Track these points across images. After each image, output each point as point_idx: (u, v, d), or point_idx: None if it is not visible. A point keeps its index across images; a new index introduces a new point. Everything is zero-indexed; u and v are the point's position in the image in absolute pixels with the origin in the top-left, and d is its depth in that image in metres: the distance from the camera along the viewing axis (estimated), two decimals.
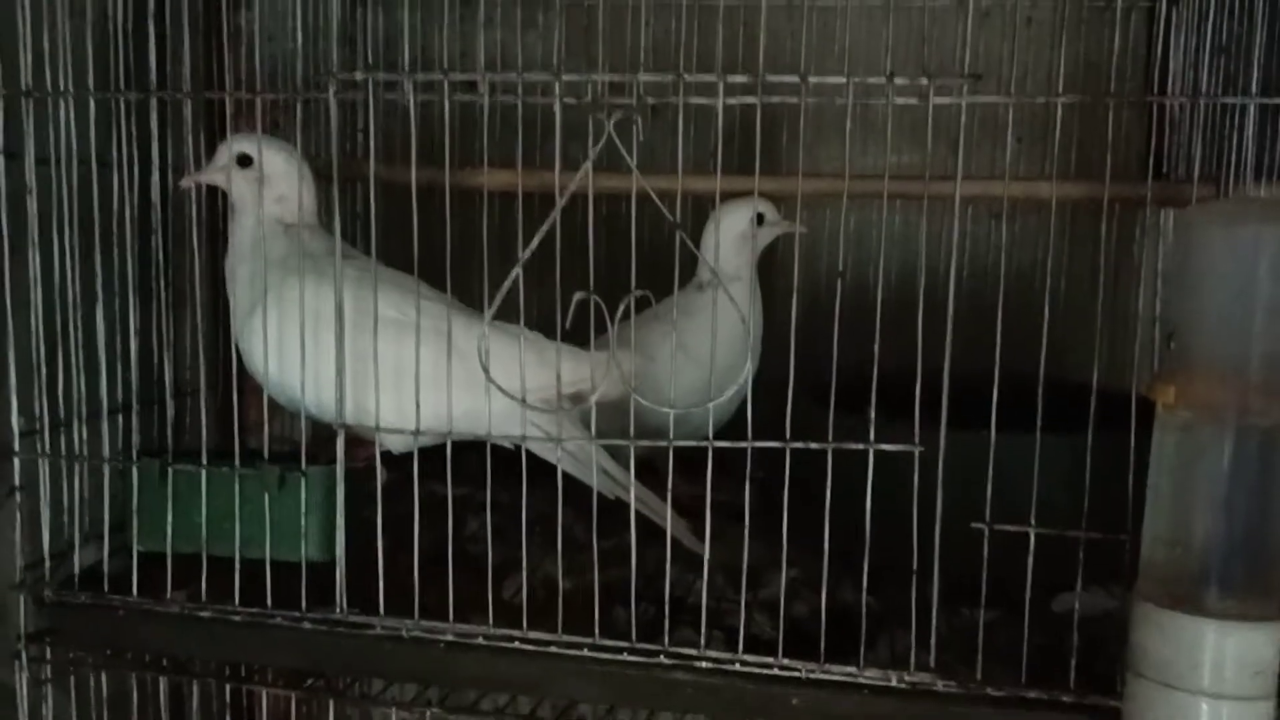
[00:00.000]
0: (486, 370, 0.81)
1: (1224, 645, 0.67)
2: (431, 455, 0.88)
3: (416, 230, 0.83)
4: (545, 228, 0.80)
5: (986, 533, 0.79)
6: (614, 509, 0.88)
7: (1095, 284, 0.99)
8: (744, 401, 0.83)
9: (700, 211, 1.12)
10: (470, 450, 0.89)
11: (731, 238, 1.11)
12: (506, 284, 0.81)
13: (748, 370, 0.83)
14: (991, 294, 0.80)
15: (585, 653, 0.84)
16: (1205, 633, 0.67)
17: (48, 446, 0.96)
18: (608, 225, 0.90)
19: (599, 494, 0.86)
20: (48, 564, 0.96)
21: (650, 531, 0.87)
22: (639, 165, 0.79)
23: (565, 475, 0.86)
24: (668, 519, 0.87)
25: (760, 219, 1.12)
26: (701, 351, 0.85)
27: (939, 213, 0.93)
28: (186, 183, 0.99)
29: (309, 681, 1.00)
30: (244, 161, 0.98)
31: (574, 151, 0.82)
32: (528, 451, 0.88)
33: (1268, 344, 0.68)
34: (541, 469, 0.89)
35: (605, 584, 0.84)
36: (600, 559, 0.83)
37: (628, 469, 0.87)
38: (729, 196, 1.10)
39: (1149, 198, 0.87)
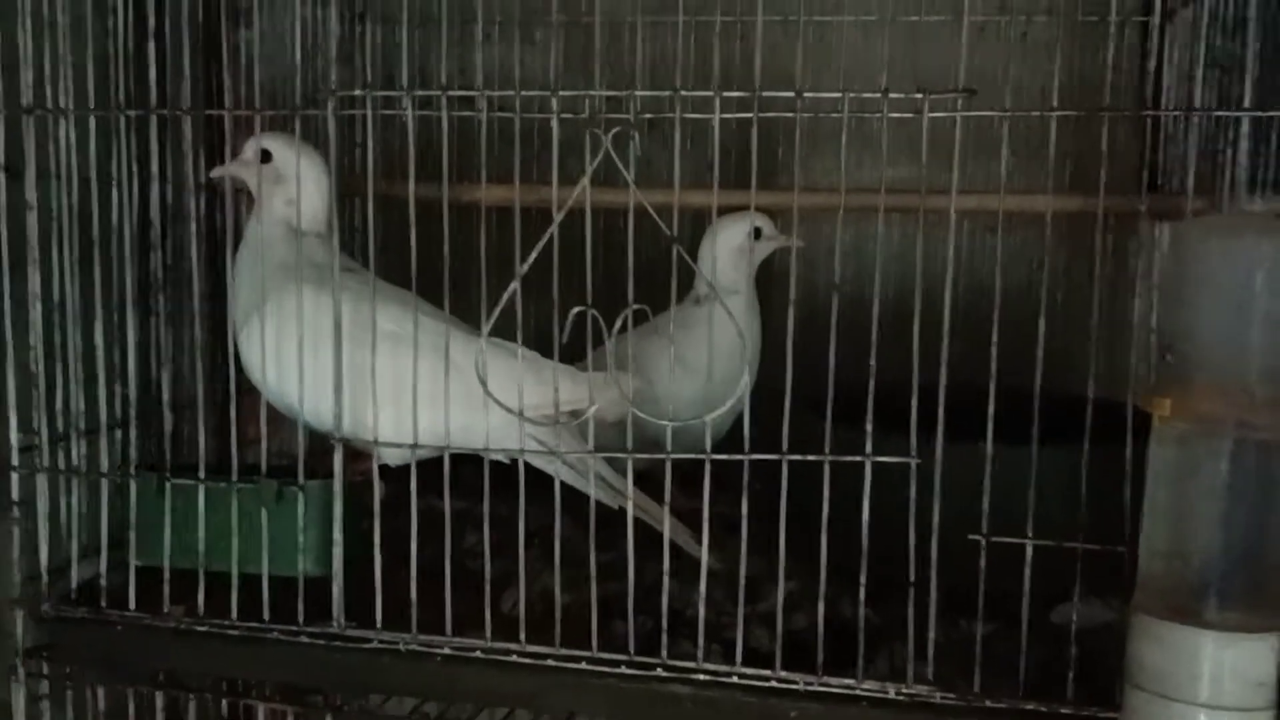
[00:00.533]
0: (484, 383, 0.82)
1: (1223, 657, 0.67)
2: (430, 469, 0.88)
3: (415, 245, 0.84)
4: (542, 242, 0.80)
5: (984, 544, 0.79)
6: (612, 522, 0.88)
7: (1114, 297, 0.99)
8: (743, 414, 0.83)
9: (700, 226, 1.12)
10: (468, 462, 0.89)
11: (728, 252, 1.11)
12: (504, 298, 0.81)
13: (744, 383, 0.83)
14: (991, 307, 0.80)
15: (583, 665, 0.84)
16: (1204, 644, 0.67)
17: (46, 461, 0.96)
18: (606, 240, 0.90)
19: (598, 507, 0.86)
20: (45, 579, 0.95)
21: (649, 544, 0.86)
22: (637, 180, 0.79)
23: (564, 488, 0.86)
24: (666, 526, 0.87)
25: (757, 233, 1.12)
26: (699, 365, 0.86)
27: (937, 227, 0.93)
28: (216, 173, 1.01)
29: (308, 697, 1.00)
30: (266, 158, 0.99)
31: (572, 167, 0.82)
32: (526, 464, 0.88)
33: (1264, 357, 0.68)
34: (540, 483, 0.89)
35: (603, 598, 0.84)
36: (598, 572, 0.83)
37: (627, 478, 0.87)
38: (727, 211, 1.10)
39: (1144, 211, 0.88)
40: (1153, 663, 0.69)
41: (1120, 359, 1.07)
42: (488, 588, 0.86)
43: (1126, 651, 0.71)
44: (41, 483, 0.95)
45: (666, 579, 0.83)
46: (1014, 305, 0.83)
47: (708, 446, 0.81)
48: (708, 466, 0.81)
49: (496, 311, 0.81)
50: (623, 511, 0.87)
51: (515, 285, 0.81)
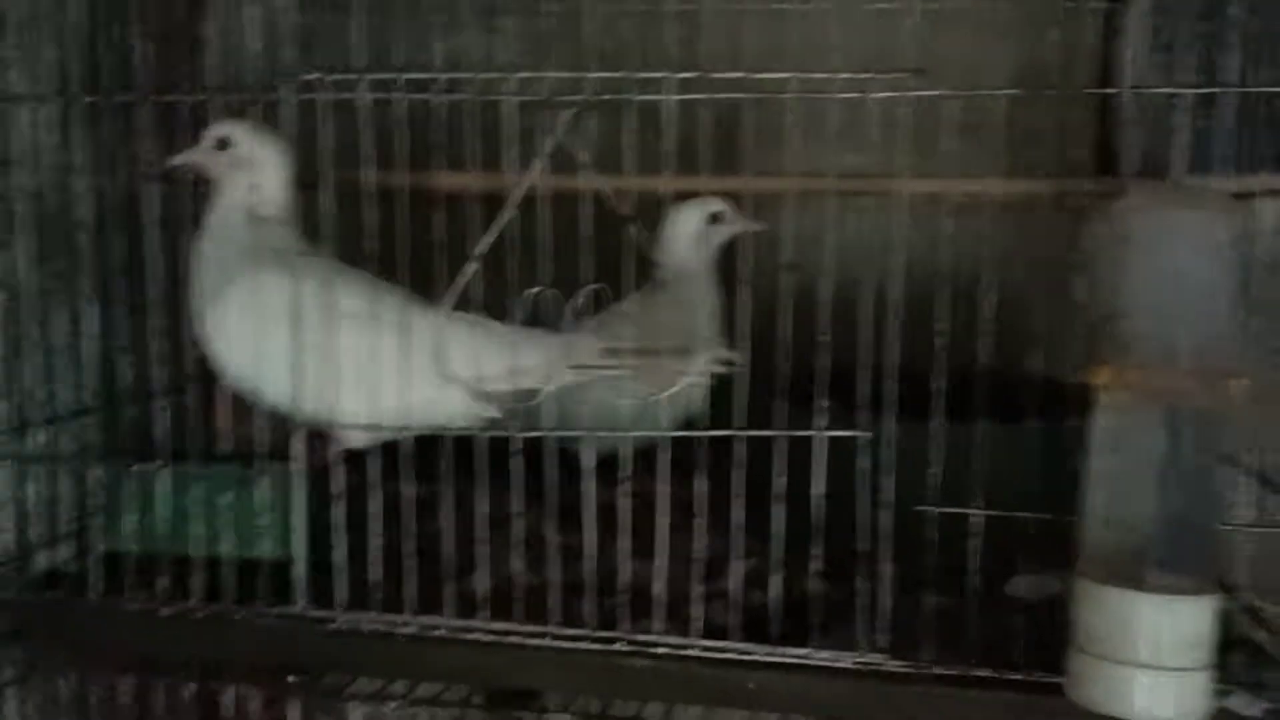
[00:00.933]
0: (444, 362, 0.83)
1: (1160, 619, 0.69)
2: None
3: (372, 230, 0.85)
4: (499, 223, 0.81)
5: (936, 516, 0.80)
6: (577, 506, 0.88)
7: (1064, 279, 1.01)
8: (709, 398, 0.84)
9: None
10: (436, 449, 0.89)
11: (686, 237, 1.12)
12: (463, 278, 0.82)
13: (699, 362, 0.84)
14: (954, 290, 0.81)
15: (545, 641, 0.85)
16: (1142, 607, 0.69)
17: (8, 448, 0.96)
18: (576, 226, 0.91)
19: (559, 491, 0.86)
20: (10, 565, 0.96)
21: (609, 529, 0.87)
22: (610, 168, 0.80)
23: (524, 473, 0.86)
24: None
25: (717, 218, 1.13)
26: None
27: (895, 210, 0.95)
28: (176, 162, 1.01)
29: (282, 678, 1.00)
30: (223, 145, 1.00)
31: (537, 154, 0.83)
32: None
33: (1198, 327, 0.70)
34: (503, 467, 0.89)
35: (566, 580, 0.85)
36: (562, 555, 0.84)
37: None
38: (690, 196, 1.11)
39: (1086, 192, 0.89)
40: (1095, 626, 0.71)
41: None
42: (454, 568, 0.86)
43: (1070, 617, 0.72)
44: (4, 470, 0.95)
45: (629, 560, 0.84)
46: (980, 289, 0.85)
47: (663, 424, 0.82)
48: (662, 445, 0.82)
49: (456, 288, 0.82)
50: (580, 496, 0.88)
51: (475, 265, 0.82)
